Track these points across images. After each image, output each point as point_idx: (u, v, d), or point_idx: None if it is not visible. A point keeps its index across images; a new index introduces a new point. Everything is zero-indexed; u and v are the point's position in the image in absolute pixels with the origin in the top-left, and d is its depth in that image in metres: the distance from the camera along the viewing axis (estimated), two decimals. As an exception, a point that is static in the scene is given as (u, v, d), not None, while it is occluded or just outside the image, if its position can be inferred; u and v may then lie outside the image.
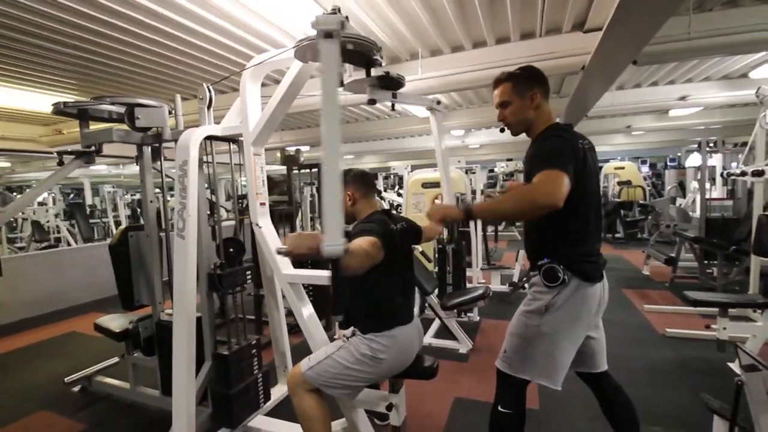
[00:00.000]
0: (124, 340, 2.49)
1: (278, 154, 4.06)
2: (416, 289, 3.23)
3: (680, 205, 6.57)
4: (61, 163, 2.15)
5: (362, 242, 1.39)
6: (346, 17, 1.55)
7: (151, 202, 2.37)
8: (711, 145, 4.37)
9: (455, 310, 3.18)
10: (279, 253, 1.29)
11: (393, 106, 2.03)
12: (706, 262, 4.35)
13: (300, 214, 4.89)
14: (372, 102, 1.97)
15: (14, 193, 11.04)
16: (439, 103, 2.23)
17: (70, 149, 2.17)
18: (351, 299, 1.67)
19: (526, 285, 1.53)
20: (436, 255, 3.86)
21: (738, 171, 3.33)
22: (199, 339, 2.12)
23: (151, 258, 2.39)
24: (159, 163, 2.34)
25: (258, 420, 2.23)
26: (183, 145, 1.94)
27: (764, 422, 1.28)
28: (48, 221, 7.82)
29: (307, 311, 1.95)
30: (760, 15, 2.62)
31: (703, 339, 3.13)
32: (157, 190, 2.44)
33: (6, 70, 3.69)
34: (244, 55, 3.49)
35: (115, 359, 2.85)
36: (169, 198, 3.69)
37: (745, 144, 3.69)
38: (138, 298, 2.41)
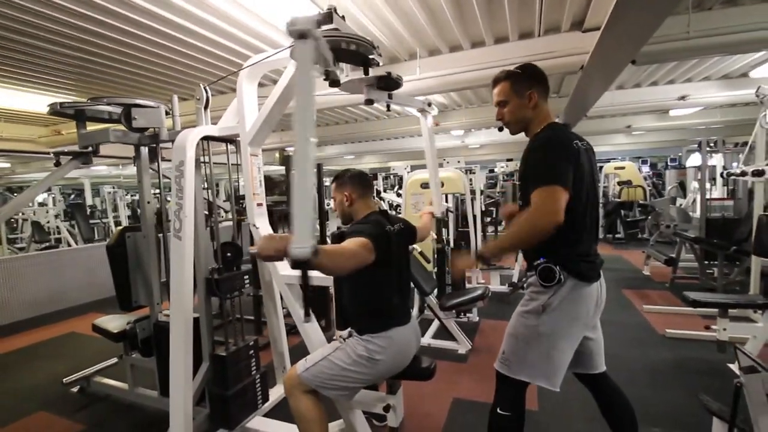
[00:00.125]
0: (121, 341, 2.49)
1: (276, 155, 4.05)
2: (414, 290, 3.24)
3: (680, 205, 6.56)
4: (58, 164, 2.15)
5: (350, 243, 1.39)
6: (343, 17, 1.55)
7: (148, 202, 2.36)
8: (711, 144, 4.35)
9: (454, 311, 3.17)
10: (250, 254, 1.29)
11: (388, 106, 2.03)
12: (706, 262, 4.34)
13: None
14: (369, 102, 1.96)
15: (15, 194, 11.05)
16: (430, 105, 2.22)
17: (67, 150, 2.17)
18: (348, 300, 1.66)
19: (525, 285, 1.52)
20: (435, 255, 3.85)
21: (738, 171, 3.31)
22: (197, 340, 2.12)
23: (148, 259, 2.38)
24: (156, 163, 2.34)
25: (256, 421, 2.23)
26: (179, 145, 1.93)
27: (763, 424, 1.27)
28: (48, 222, 7.83)
29: (303, 312, 1.94)
30: (759, 14, 2.61)
31: (703, 340, 3.12)
32: (157, 191, 2.44)
33: (5, 71, 3.69)
34: (242, 55, 3.49)
35: (114, 360, 2.85)
36: (168, 199, 3.69)
37: (745, 144, 3.68)
38: (136, 298, 2.41)
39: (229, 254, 2.19)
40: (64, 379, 2.72)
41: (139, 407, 2.53)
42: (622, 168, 8.44)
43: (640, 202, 7.70)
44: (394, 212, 5.14)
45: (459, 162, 4.77)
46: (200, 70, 3.93)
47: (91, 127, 2.24)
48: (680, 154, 11.08)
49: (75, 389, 2.77)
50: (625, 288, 4.70)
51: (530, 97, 1.46)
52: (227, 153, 2.26)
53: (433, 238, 3.85)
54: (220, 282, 2.07)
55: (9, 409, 2.62)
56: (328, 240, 3.09)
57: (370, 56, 1.50)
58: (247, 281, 2.23)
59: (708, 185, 4.49)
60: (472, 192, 4.98)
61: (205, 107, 2.08)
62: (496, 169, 11.70)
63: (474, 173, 5.28)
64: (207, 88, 2.07)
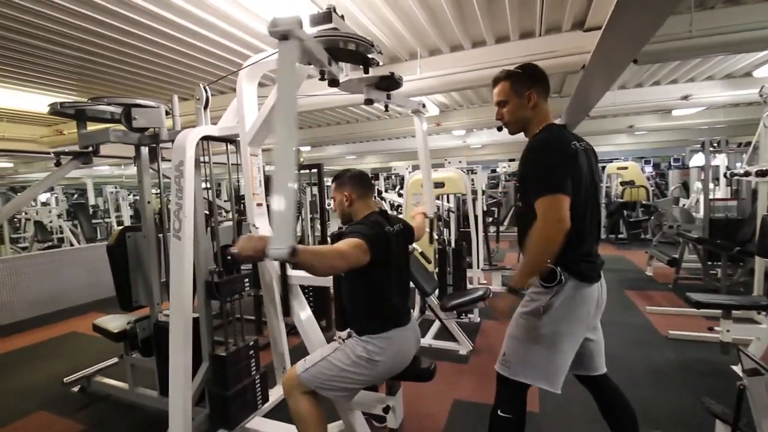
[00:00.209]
0: (122, 340, 2.49)
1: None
2: (415, 290, 3.23)
3: (683, 205, 6.52)
4: (58, 164, 2.15)
5: (342, 244, 1.40)
6: (342, 16, 1.55)
7: (149, 202, 2.36)
8: (714, 144, 4.33)
9: (455, 312, 3.16)
10: (230, 254, 1.27)
11: (386, 107, 2.02)
12: (709, 263, 4.31)
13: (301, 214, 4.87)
14: (369, 102, 1.95)
15: (18, 194, 11.11)
16: (423, 106, 2.23)
17: (68, 150, 2.17)
18: (347, 301, 1.66)
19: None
20: (437, 255, 3.85)
21: (742, 171, 3.29)
22: (197, 340, 2.11)
23: (148, 259, 2.38)
24: (157, 163, 2.34)
25: (256, 421, 2.22)
26: (179, 145, 1.93)
27: (767, 427, 1.25)
28: (51, 222, 7.86)
29: (303, 313, 1.94)
30: (762, 12, 2.58)
31: (706, 341, 3.10)
32: (158, 191, 2.44)
33: (7, 71, 3.70)
34: (242, 55, 3.49)
35: (115, 360, 2.85)
36: (169, 199, 3.69)
37: (749, 144, 3.65)
38: (136, 298, 2.41)
39: (229, 257, 2.18)
40: (65, 379, 2.73)
41: (140, 407, 2.53)
42: (625, 168, 8.41)
43: (643, 202, 7.67)
44: (395, 212, 5.12)
45: (460, 162, 4.75)
46: (200, 70, 3.94)
47: (93, 127, 2.25)
48: (683, 154, 11.01)
49: (75, 389, 2.78)
50: (628, 289, 4.68)
51: (530, 98, 1.45)
52: (227, 153, 2.25)
53: (435, 239, 3.86)
54: (220, 285, 2.07)
55: (10, 409, 2.63)
56: (329, 240, 3.08)
57: (369, 55, 1.49)
58: (247, 284, 2.23)
59: (711, 185, 4.47)
60: (474, 192, 4.97)
61: (205, 107, 2.08)
62: (498, 169, 11.69)
63: (475, 173, 5.26)
64: (207, 87, 2.06)
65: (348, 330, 1.68)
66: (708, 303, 2.61)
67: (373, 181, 5.28)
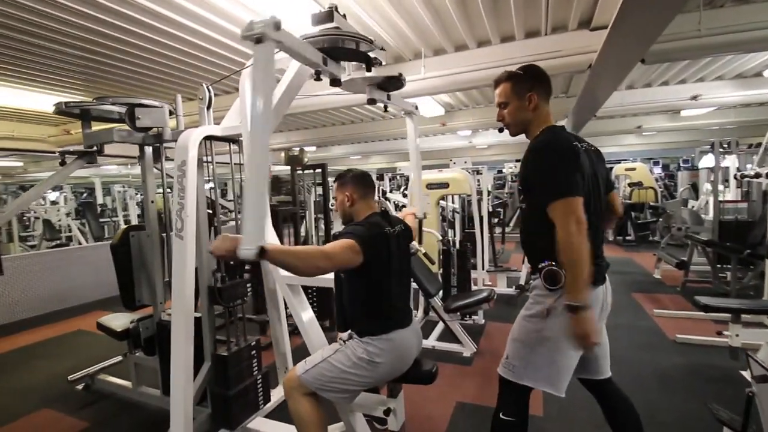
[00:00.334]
0: (125, 339, 2.50)
1: (282, 155, 4.06)
2: (419, 291, 3.21)
3: (692, 207, 6.42)
4: (63, 163, 2.16)
5: (332, 245, 1.41)
6: (344, 15, 1.54)
7: (152, 202, 2.37)
8: (725, 145, 4.27)
9: (459, 313, 3.14)
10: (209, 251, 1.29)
11: (386, 107, 2.00)
12: (719, 266, 4.24)
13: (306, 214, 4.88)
14: (372, 102, 1.94)
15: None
16: (417, 108, 2.23)
17: (72, 149, 2.18)
18: (347, 301, 1.64)
19: (529, 289, 1.50)
20: (441, 256, 3.83)
21: (752, 172, 3.24)
22: (199, 339, 2.12)
23: (152, 258, 2.39)
24: (160, 163, 2.34)
25: (257, 421, 2.22)
26: (182, 145, 1.93)
27: (776, 435, 1.22)
28: (60, 220, 7.95)
29: (305, 314, 1.93)
30: (773, 11, 2.53)
31: (714, 346, 3.04)
32: (168, 191, 2.45)
33: (16, 71, 3.75)
34: (245, 54, 3.50)
35: (119, 358, 2.86)
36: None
37: (759, 145, 3.59)
38: (139, 297, 2.42)
39: (231, 262, 2.19)
40: (69, 377, 2.75)
41: (143, 406, 2.54)
42: (633, 169, 8.33)
43: (651, 203, 7.58)
44: (400, 213, 5.11)
45: (466, 162, 4.72)
46: (204, 70, 3.95)
47: (98, 127, 2.26)
48: (693, 155, 10.88)
49: (80, 387, 2.80)
50: (636, 291, 4.62)
51: (530, 99, 1.44)
52: (230, 153, 2.25)
53: (438, 239, 3.84)
54: (223, 290, 2.07)
55: (16, 405, 2.65)
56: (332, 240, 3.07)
57: (371, 53, 1.48)
58: (250, 289, 2.22)
59: (721, 187, 4.40)
60: (479, 193, 4.94)
61: (208, 107, 2.08)
62: (504, 170, 11.62)
63: (481, 174, 5.23)
64: (210, 87, 2.06)
65: (349, 331, 1.67)
66: (717, 307, 2.56)
67: (378, 181, 5.29)
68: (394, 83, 1.79)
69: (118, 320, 2.63)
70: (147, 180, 2.36)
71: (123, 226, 2.84)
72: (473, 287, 4.14)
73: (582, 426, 2.18)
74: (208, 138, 2.06)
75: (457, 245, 4.15)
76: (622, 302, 4.26)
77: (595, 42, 2.91)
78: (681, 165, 11.12)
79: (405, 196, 7.31)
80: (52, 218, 7.82)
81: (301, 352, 1.82)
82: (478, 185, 5.08)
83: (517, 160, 9.99)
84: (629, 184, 8.08)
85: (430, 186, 4.08)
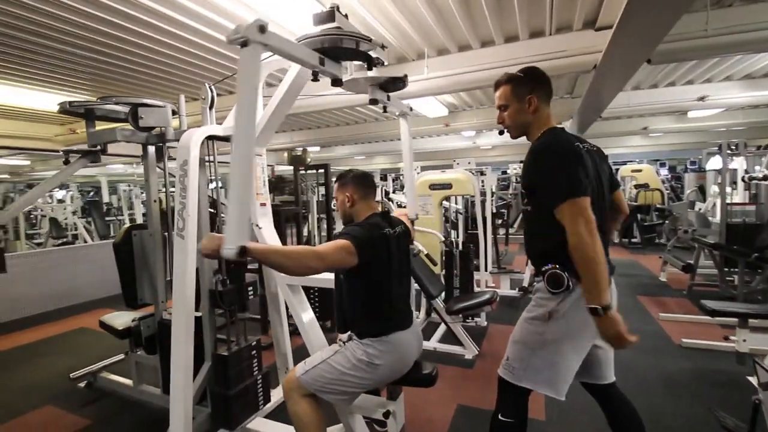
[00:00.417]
0: (126, 337, 2.51)
1: (285, 154, 4.06)
2: (420, 292, 3.20)
3: (700, 209, 6.35)
4: (67, 162, 2.17)
5: (325, 245, 1.42)
6: (346, 15, 1.53)
7: (155, 201, 2.38)
8: (732, 147, 4.20)
9: (461, 315, 3.12)
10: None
11: (385, 108, 1.99)
12: (726, 269, 4.18)
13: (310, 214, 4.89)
14: (374, 102, 1.93)
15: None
16: (411, 109, 2.23)
17: (76, 148, 2.20)
18: (347, 303, 1.64)
19: (532, 291, 1.48)
20: (443, 258, 3.81)
21: (761, 175, 3.19)
22: (200, 338, 2.11)
23: (154, 257, 2.40)
24: (163, 162, 2.35)
25: (257, 422, 2.22)
26: (183, 145, 1.93)
27: (782, 443, 1.19)
28: (66, 218, 8.01)
29: (305, 315, 1.93)
30: (783, 11, 2.49)
31: (721, 351, 3.00)
32: (171, 190, 2.45)
33: (24, 71, 3.78)
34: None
35: (121, 356, 2.88)
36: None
37: (768, 146, 3.54)
38: (141, 296, 2.43)
39: (233, 265, 2.18)
40: (71, 374, 2.76)
41: (144, 404, 2.55)
42: (639, 171, 8.26)
43: (658, 205, 7.51)
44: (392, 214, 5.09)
45: (469, 163, 4.70)
46: (208, 70, 3.97)
47: (107, 126, 2.27)
48: (700, 156, 10.77)
49: (82, 384, 2.81)
50: (641, 295, 4.58)
51: (530, 102, 1.43)
52: (232, 153, 2.25)
53: (441, 241, 3.82)
54: (224, 294, 2.07)
55: (19, 401, 2.67)
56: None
57: (371, 52, 1.47)
58: (251, 293, 2.22)
59: (729, 189, 4.33)
60: (483, 194, 4.91)
61: (210, 106, 2.07)
62: (508, 171, 11.57)
63: (485, 175, 5.20)
64: (212, 87, 2.06)
65: (348, 333, 1.66)
66: (724, 311, 2.52)
67: (381, 182, 5.28)
68: (395, 84, 1.77)
69: (121, 319, 2.63)
70: (150, 179, 2.36)
71: (127, 225, 2.87)
72: (476, 289, 4.12)
73: (584, 430, 2.15)
74: (210, 138, 2.06)
75: (460, 246, 4.13)
76: (628, 305, 4.21)
77: (600, 42, 2.89)
78: (688, 167, 11.02)
79: (409, 196, 7.28)
80: (59, 216, 7.89)
81: (302, 353, 1.82)
82: (482, 186, 5.06)
83: (522, 162, 9.96)
84: (635, 186, 8.01)
85: (433, 187, 4.06)
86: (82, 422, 2.42)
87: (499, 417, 1.43)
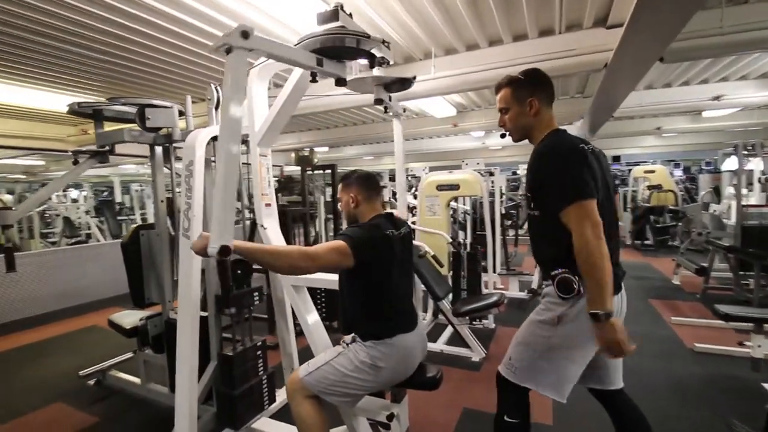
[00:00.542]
0: (134, 336, 2.53)
1: (293, 155, 4.07)
2: (423, 294, 3.17)
3: (714, 211, 6.21)
4: (76, 162, 2.20)
5: (320, 245, 1.43)
6: (350, 14, 1.51)
7: (162, 201, 2.39)
8: (749, 148, 4.11)
9: (468, 317, 3.09)
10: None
11: (386, 109, 1.98)
12: (741, 273, 4.08)
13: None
14: (379, 102, 1.92)
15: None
16: (405, 110, 2.23)
17: (85, 149, 2.22)
18: (350, 304, 1.62)
19: (541, 295, 1.46)
20: (451, 259, 3.78)
21: (778, 176, 3.09)
22: (206, 338, 2.12)
23: (161, 257, 2.42)
24: (170, 163, 2.37)
25: (262, 422, 2.22)
26: (189, 145, 1.94)
27: (799, 455, 1.15)
28: (79, 218, 8.16)
29: (310, 316, 1.92)
30: (802, 7, 2.42)
31: (735, 356, 2.92)
32: (177, 190, 2.47)
33: (37, 73, 3.85)
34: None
35: (129, 354, 2.91)
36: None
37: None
38: (148, 296, 2.45)
39: (239, 271, 2.19)
40: (80, 372, 2.80)
41: (151, 402, 2.57)
42: (652, 171, 8.13)
43: (671, 207, 7.37)
44: (411, 214, 5.07)
45: (478, 164, 4.66)
46: (215, 71, 3.99)
47: (114, 127, 2.30)
48: (716, 157, 10.55)
49: (91, 382, 2.84)
50: (653, 298, 4.49)
51: (531, 105, 1.41)
52: (217, 156, 2.26)
53: (448, 242, 3.79)
54: (230, 299, 2.07)
55: (30, 398, 2.72)
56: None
57: (374, 51, 1.45)
58: (257, 298, 2.22)
59: (744, 191, 4.24)
60: (492, 195, 4.87)
61: (216, 107, 2.09)
62: (518, 171, 11.45)
63: (494, 175, 5.15)
64: (218, 87, 2.07)
65: (352, 334, 1.65)
66: (738, 316, 2.46)
67: (390, 182, 5.26)
68: (402, 84, 1.76)
69: (129, 318, 2.67)
70: (157, 179, 2.38)
71: (136, 225, 2.91)
72: (484, 291, 4.08)
73: (593, 436, 2.11)
74: (216, 138, 2.06)
75: (468, 247, 4.10)
76: (639, 309, 4.14)
77: (611, 40, 2.83)
78: (703, 168, 10.80)
79: (415, 197, 7.27)
80: (72, 216, 8.03)
81: (308, 353, 1.81)
82: (491, 187, 5.02)
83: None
84: (648, 187, 7.89)
85: (441, 187, 4.03)
86: (90, 420, 2.45)
87: (505, 418, 1.43)
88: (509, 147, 9.69)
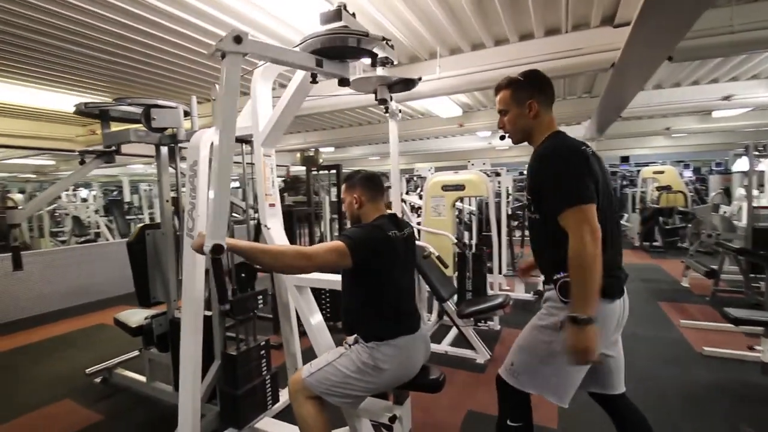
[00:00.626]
0: (139, 335, 2.55)
1: (298, 155, 4.08)
2: (428, 295, 3.16)
3: (724, 213, 6.12)
4: (82, 162, 2.22)
5: (314, 246, 1.44)
6: (353, 14, 1.51)
7: (167, 201, 2.41)
8: (760, 148, 4.03)
9: (473, 318, 3.07)
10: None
11: (387, 108, 1.97)
12: (752, 275, 4.00)
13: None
14: (383, 102, 1.91)
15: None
16: (400, 111, 2.24)
17: (92, 149, 2.24)
18: (352, 305, 1.62)
19: (543, 299, 1.44)
20: (456, 260, 3.76)
21: (790, 177, 3.04)
22: (210, 337, 2.13)
23: (166, 256, 2.43)
24: (175, 162, 2.38)
25: (265, 422, 2.22)
26: (193, 145, 1.95)
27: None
28: (89, 217, 8.26)
29: (313, 316, 1.91)
30: (814, 5, 2.36)
31: (745, 360, 2.87)
32: (183, 190, 2.48)
33: (44, 74, 3.90)
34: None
35: (135, 353, 2.93)
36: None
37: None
38: (154, 295, 2.47)
39: (243, 274, 2.20)
40: (87, 370, 2.83)
41: (156, 400, 2.59)
42: (662, 172, 8.03)
43: (680, 208, 7.28)
44: (416, 215, 5.06)
45: (484, 164, 4.64)
46: (219, 71, 4.00)
47: (121, 127, 2.31)
48: (726, 158, 10.39)
49: (98, 380, 2.87)
50: (662, 300, 4.43)
51: (530, 107, 1.39)
52: (242, 153, 2.27)
53: (453, 242, 3.77)
54: (234, 304, 2.08)
55: (39, 395, 2.75)
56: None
57: (376, 49, 1.44)
58: (261, 302, 2.23)
59: (756, 192, 4.17)
60: (498, 195, 4.84)
61: (221, 107, 2.09)
62: (525, 172, 11.35)
63: (500, 176, 5.12)
64: (223, 88, 2.07)
65: (355, 335, 1.64)
66: (748, 319, 2.42)
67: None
68: (402, 84, 1.75)
69: (135, 316, 2.68)
70: (162, 179, 2.40)
71: (141, 224, 2.94)
72: (489, 292, 4.05)
73: (598, 440, 2.09)
74: (221, 138, 2.07)
75: (473, 248, 4.07)
76: (647, 311, 4.08)
77: (618, 39, 2.79)
78: (713, 168, 10.65)
79: (421, 197, 7.25)
80: (82, 215, 8.13)
81: (311, 353, 1.81)
82: (498, 187, 4.98)
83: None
84: (657, 188, 7.80)
85: (446, 188, 4.02)
86: (95, 417, 2.47)
87: (509, 422, 1.42)
88: (516, 147, 9.58)
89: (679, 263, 5.53)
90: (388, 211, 1.70)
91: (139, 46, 3.32)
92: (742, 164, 6.98)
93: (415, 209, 7.16)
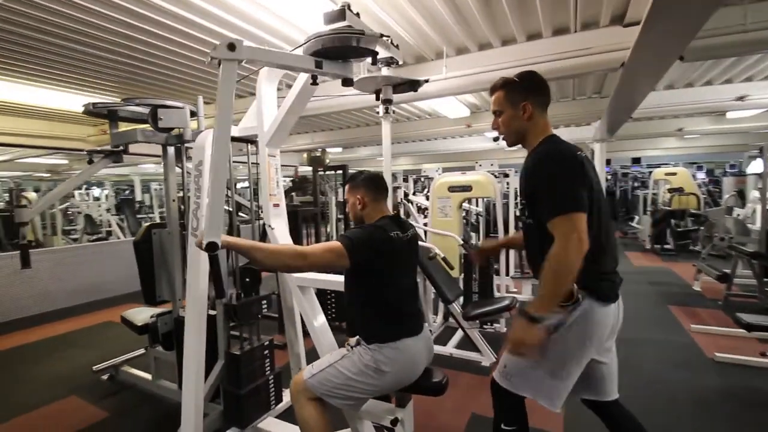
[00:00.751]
0: (144, 333, 2.57)
1: (304, 155, 4.09)
2: (433, 297, 3.13)
3: (738, 215, 5.99)
4: (91, 162, 2.25)
5: (312, 245, 1.47)
6: (357, 14, 1.50)
7: (174, 200, 2.43)
8: (775, 150, 3.93)
9: (478, 321, 3.04)
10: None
11: (387, 108, 1.96)
12: (765, 280, 3.91)
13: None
14: (387, 102, 1.90)
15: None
16: (394, 112, 2.24)
17: (100, 149, 2.27)
18: (354, 306, 1.61)
19: None
20: (462, 261, 3.73)
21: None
22: (214, 336, 2.14)
23: (172, 255, 2.45)
24: (182, 162, 2.40)
25: (268, 421, 2.22)
26: (199, 145, 1.96)
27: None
28: (100, 215, 8.39)
29: (316, 318, 1.91)
30: (832, 3, 2.29)
31: (757, 367, 2.80)
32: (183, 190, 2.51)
33: (60, 75, 3.96)
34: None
35: (141, 351, 2.96)
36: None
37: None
38: (159, 293, 2.48)
39: (247, 279, 2.20)
40: (94, 367, 2.87)
41: (161, 398, 2.61)
42: (674, 174, 7.91)
43: (693, 211, 7.15)
44: (423, 216, 5.03)
45: (492, 165, 4.60)
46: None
47: (129, 127, 2.34)
48: (741, 160, 10.19)
49: (105, 377, 2.91)
50: (673, 304, 4.35)
51: (525, 109, 1.37)
52: (248, 153, 2.28)
53: (459, 244, 3.75)
54: (239, 308, 2.09)
55: (46, 391, 2.79)
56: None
57: (377, 49, 1.44)
58: (265, 306, 2.23)
59: (770, 194, 4.06)
60: (506, 196, 4.79)
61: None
62: (519, 176, 11.22)
63: (508, 176, 5.07)
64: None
65: (357, 337, 1.63)
66: (761, 325, 2.36)
67: (403, 183, 5.25)
68: (407, 85, 1.74)
69: (141, 314, 2.71)
70: (169, 179, 2.42)
71: (148, 223, 2.98)
72: (496, 294, 4.02)
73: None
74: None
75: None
76: (657, 315, 4.02)
77: (628, 38, 2.73)
78: (727, 170, 10.45)
79: (428, 198, 7.22)
80: (93, 213, 8.26)
81: (315, 354, 1.81)
82: (507, 188, 4.94)
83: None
84: (669, 190, 7.68)
85: (453, 189, 3.99)
86: (100, 414, 2.50)
87: (503, 426, 1.41)
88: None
89: (690, 267, 5.43)
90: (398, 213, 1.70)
91: (144, 47, 3.34)
92: (756, 166, 6.83)
93: (422, 210, 7.14)
